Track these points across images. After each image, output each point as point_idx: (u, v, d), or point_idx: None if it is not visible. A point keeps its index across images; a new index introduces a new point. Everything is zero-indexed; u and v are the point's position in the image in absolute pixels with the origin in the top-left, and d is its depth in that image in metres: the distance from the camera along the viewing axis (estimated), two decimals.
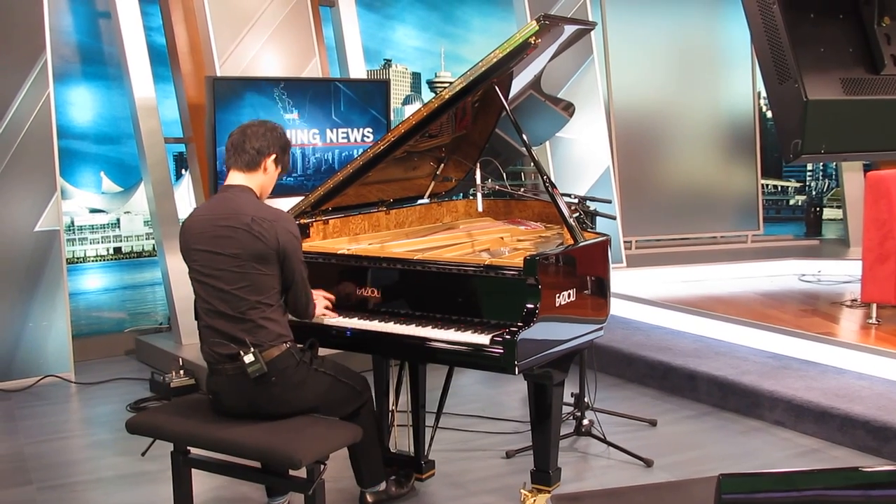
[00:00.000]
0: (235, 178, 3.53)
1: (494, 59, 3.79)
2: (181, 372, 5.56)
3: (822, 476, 1.56)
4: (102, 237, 6.62)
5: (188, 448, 3.48)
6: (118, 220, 6.66)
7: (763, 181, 9.00)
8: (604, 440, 4.58)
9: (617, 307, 6.80)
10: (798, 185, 9.37)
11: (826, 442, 4.67)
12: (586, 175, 7.68)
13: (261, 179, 3.55)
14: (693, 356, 5.65)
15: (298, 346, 3.47)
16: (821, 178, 9.32)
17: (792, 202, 9.39)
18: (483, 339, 3.39)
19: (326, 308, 3.72)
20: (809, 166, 9.28)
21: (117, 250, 6.68)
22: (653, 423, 4.94)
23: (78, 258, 6.53)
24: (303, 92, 5.94)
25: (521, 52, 3.82)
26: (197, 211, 3.55)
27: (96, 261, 6.61)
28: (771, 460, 4.49)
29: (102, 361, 6.39)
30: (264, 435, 3.24)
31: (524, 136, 4.03)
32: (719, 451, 4.61)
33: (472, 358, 3.43)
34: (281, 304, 3.47)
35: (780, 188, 9.34)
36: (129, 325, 6.72)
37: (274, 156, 3.55)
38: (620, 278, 7.44)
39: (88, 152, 6.50)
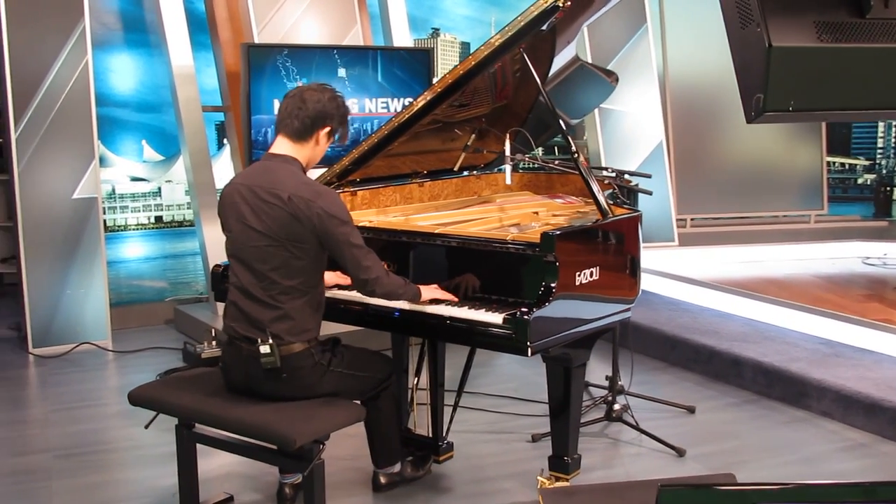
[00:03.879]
0: (282, 145, 3.28)
1: (513, 29, 3.59)
2: (213, 343, 5.50)
3: (788, 492, 1.35)
4: (143, 206, 6.59)
5: (194, 423, 3.39)
6: (159, 188, 6.61)
7: (829, 158, 8.59)
8: (636, 427, 4.37)
9: (665, 287, 6.58)
10: (867, 163, 8.94)
11: (875, 436, 4.39)
12: (638, 149, 7.41)
13: (309, 151, 3.31)
14: (740, 340, 5.39)
15: (321, 342, 3.30)
16: (892, 155, 8.87)
17: (860, 181, 8.95)
18: (496, 317, 3.22)
19: (435, 297, 3.39)
20: (880, 143, 8.84)
21: (158, 219, 6.65)
22: (691, 411, 4.72)
23: (119, 226, 6.51)
24: (341, 60, 5.80)
25: (547, 17, 3.60)
26: (236, 179, 3.33)
27: (137, 229, 6.58)
28: (813, 453, 4.24)
29: (141, 330, 6.38)
30: (264, 412, 3.12)
31: (551, 104, 3.82)
32: (758, 441, 4.37)
33: (485, 337, 3.26)
34: (316, 294, 3.28)
35: (847, 166, 8.91)
36: (170, 294, 6.69)
37: (328, 128, 3.30)
38: (671, 257, 7.19)
39: (130, 120, 6.46)
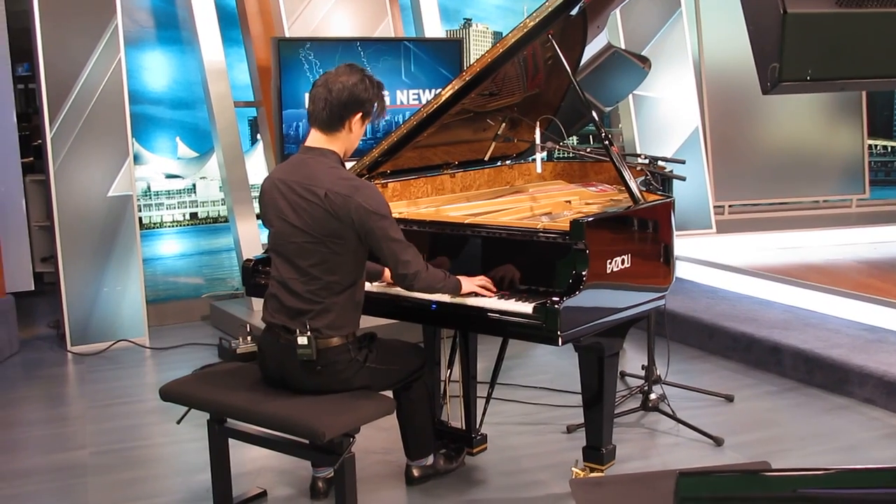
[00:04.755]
0: (316, 138, 3.23)
1: (541, 15, 3.54)
2: (248, 338, 5.50)
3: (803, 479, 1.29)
4: (179, 202, 6.62)
5: (226, 418, 3.39)
6: (194, 185, 6.64)
7: (870, 141, 8.41)
8: (672, 416, 4.30)
9: (703, 275, 6.49)
10: None
11: None
12: (673, 136, 7.30)
13: (344, 141, 3.24)
14: (780, 327, 5.30)
15: (358, 338, 3.27)
16: None
17: None
18: (526, 307, 3.18)
19: (482, 287, 3.32)
20: None
21: (193, 216, 6.67)
22: (729, 399, 4.64)
23: (154, 223, 6.55)
24: (365, 52, 5.77)
25: (576, 2, 3.55)
26: (274, 173, 3.30)
27: (173, 226, 6.61)
28: (855, 441, 4.15)
29: (178, 327, 6.41)
30: (294, 406, 3.11)
31: (582, 91, 3.77)
32: (798, 430, 4.29)
33: (515, 327, 3.22)
34: (356, 290, 3.25)
35: (889, 149, 8.72)
36: (206, 290, 6.72)
37: (359, 114, 3.21)
38: (709, 245, 7.08)
39: (164, 117, 6.49)
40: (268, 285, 3.35)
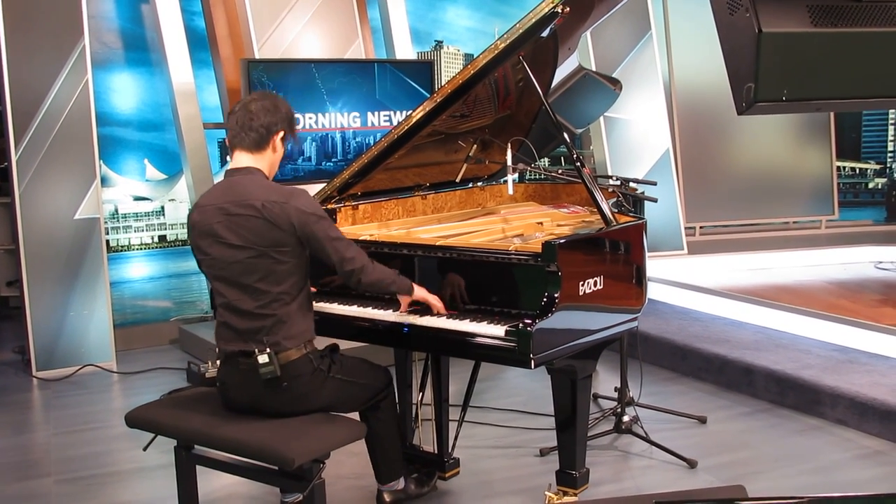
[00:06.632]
0: (242, 159, 3.25)
1: (512, 36, 3.53)
2: (217, 362, 5.40)
3: None
4: (147, 225, 6.54)
5: (193, 444, 3.33)
6: (162, 207, 6.57)
7: (839, 163, 8.50)
8: (646, 439, 4.28)
9: (675, 296, 6.50)
10: (878, 167, 8.83)
11: (891, 443, 4.30)
12: (644, 157, 7.33)
13: (269, 159, 3.29)
14: (752, 349, 5.30)
15: (319, 350, 3.25)
16: None
17: (871, 185, 8.86)
18: (498, 330, 3.15)
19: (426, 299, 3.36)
20: (891, 146, 8.74)
21: (162, 238, 6.60)
22: (702, 421, 4.63)
23: (122, 246, 6.47)
24: (342, 74, 5.75)
25: (546, 24, 3.54)
26: (203, 200, 3.27)
27: (141, 249, 6.53)
28: (828, 462, 4.15)
29: (147, 351, 6.32)
30: (263, 432, 3.06)
31: (553, 113, 3.76)
32: (771, 451, 4.28)
33: (487, 350, 3.20)
34: (305, 295, 3.23)
35: (857, 170, 8.82)
36: (175, 313, 6.64)
37: (282, 133, 3.28)
38: (680, 266, 7.10)
39: (132, 139, 6.42)
40: None
